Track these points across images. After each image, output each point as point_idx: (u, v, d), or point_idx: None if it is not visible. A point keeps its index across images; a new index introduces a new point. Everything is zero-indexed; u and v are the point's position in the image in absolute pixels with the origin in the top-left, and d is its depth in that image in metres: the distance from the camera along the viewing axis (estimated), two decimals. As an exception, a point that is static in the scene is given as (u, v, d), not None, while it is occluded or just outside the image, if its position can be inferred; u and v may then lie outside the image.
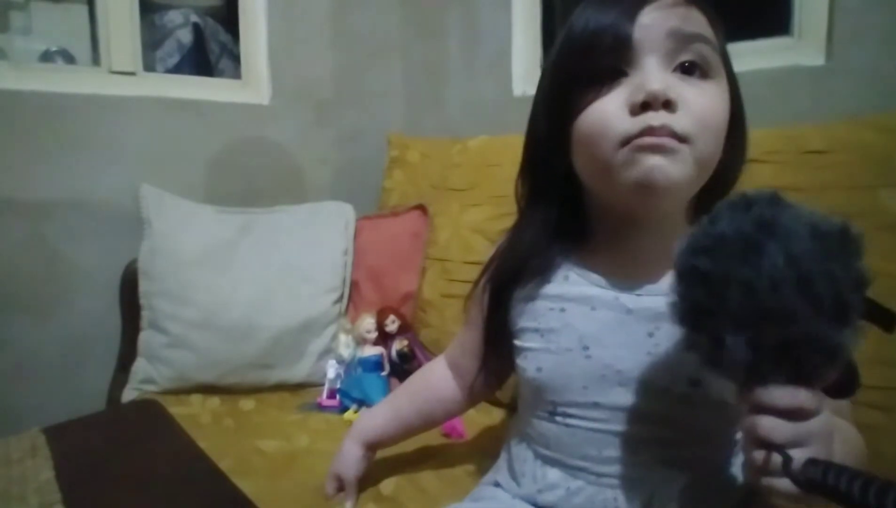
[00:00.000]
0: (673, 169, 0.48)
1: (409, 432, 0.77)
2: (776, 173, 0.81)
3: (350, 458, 0.73)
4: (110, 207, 1.26)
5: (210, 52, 1.92)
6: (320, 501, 0.74)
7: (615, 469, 0.53)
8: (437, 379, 0.74)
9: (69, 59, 1.70)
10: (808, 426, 0.37)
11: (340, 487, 0.74)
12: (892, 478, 0.32)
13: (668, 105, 0.47)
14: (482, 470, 0.74)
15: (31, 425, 0.97)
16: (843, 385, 0.39)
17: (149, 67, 1.53)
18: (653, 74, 0.48)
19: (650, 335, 0.52)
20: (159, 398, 1.08)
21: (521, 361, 0.60)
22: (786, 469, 0.36)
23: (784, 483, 0.36)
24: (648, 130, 0.47)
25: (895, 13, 0.90)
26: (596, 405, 0.54)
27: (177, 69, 1.81)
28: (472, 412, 0.94)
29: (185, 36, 1.86)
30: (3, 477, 0.81)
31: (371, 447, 0.75)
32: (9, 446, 0.91)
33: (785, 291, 0.35)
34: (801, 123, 0.85)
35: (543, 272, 0.59)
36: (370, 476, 0.76)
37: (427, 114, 1.62)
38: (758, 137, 0.85)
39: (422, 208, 1.27)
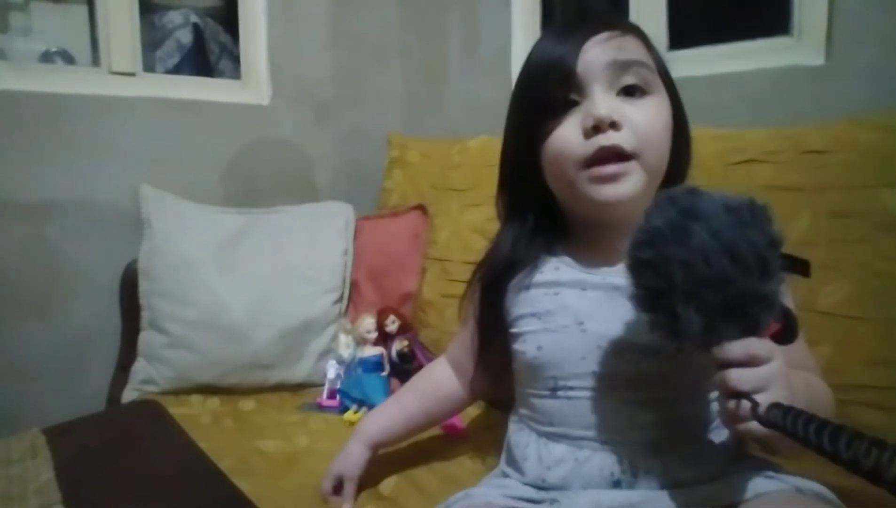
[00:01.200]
0: (626, 188, 0.57)
1: (413, 430, 0.79)
2: (776, 173, 0.81)
3: (354, 458, 0.74)
4: (110, 207, 1.26)
5: (210, 53, 1.92)
6: (320, 501, 0.74)
7: (617, 434, 0.57)
8: (440, 378, 0.78)
9: (69, 59, 1.71)
10: (766, 371, 0.44)
11: (337, 487, 0.74)
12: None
13: (614, 126, 0.56)
14: (482, 470, 0.74)
15: (31, 425, 0.98)
16: (787, 332, 0.46)
17: (148, 67, 1.53)
18: (599, 101, 0.56)
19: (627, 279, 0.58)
20: (159, 399, 1.08)
21: (520, 345, 0.64)
22: (754, 413, 0.42)
23: (754, 426, 0.43)
24: (600, 151, 0.56)
25: (895, 13, 0.90)
26: (594, 374, 0.59)
27: (177, 70, 1.81)
28: (472, 410, 0.95)
29: (185, 36, 1.86)
30: (3, 478, 0.81)
31: (375, 447, 0.76)
32: (9, 446, 0.91)
33: (715, 260, 0.43)
34: (800, 122, 0.85)
35: (532, 264, 0.65)
36: (369, 476, 0.76)
37: (427, 114, 1.62)
38: (758, 136, 0.86)
39: (422, 208, 1.27)
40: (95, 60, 1.48)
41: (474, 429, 0.91)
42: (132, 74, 1.34)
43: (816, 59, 0.98)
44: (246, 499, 0.74)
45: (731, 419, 0.45)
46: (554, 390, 0.61)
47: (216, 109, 1.42)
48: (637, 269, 0.47)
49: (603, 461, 0.57)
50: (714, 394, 0.59)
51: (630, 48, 0.58)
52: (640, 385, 0.57)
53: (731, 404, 0.44)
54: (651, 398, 0.57)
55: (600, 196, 0.57)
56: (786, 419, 0.39)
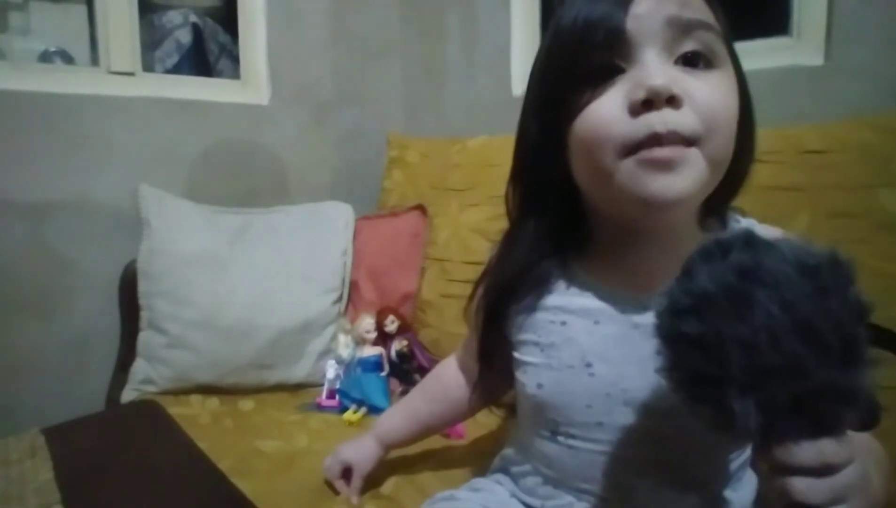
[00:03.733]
0: (683, 182, 0.44)
1: (425, 433, 0.77)
2: (775, 173, 0.81)
3: (366, 451, 0.74)
4: (110, 207, 1.26)
5: (209, 53, 1.92)
6: (320, 501, 0.74)
7: (621, 493, 0.51)
8: (449, 381, 0.73)
9: (68, 59, 1.70)
10: (844, 479, 0.33)
11: (344, 473, 0.74)
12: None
13: (672, 101, 0.43)
14: (481, 471, 0.74)
15: (30, 425, 0.97)
16: (866, 419, 0.35)
17: (148, 67, 1.52)
18: (653, 68, 0.43)
19: (659, 352, 0.44)
20: (159, 399, 1.08)
21: (520, 375, 0.57)
22: None
23: None
24: (654, 139, 0.43)
25: (894, 13, 0.90)
26: (600, 426, 0.51)
27: (176, 69, 1.81)
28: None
29: (185, 36, 1.86)
30: (2, 478, 0.81)
31: (387, 447, 0.76)
32: (8, 446, 0.90)
33: (786, 342, 0.32)
34: (800, 122, 0.85)
35: (541, 284, 0.55)
36: (370, 476, 0.76)
37: (427, 114, 1.62)
38: (757, 136, 0.86)
39: (421, 209, 1.27)
40: (94, 60, 1.48)
41: (475, 430, 0.91)
42: (131, 74, 1.34)
43: (816, 58, 0.98)
44: (245, 499, 0.74)
45: None
46: (554, 433, 0.54)
47: (215, 108, 1.42)
48: (676, 344, 0.35)
49: None
50: (737, 464, 0.52)
51: (695, 6, 0.46)
52: (652, 445, 0.50)
53: None
54: (663, 460, 0.50)
55: (648, 190, 0.44)
56: None
